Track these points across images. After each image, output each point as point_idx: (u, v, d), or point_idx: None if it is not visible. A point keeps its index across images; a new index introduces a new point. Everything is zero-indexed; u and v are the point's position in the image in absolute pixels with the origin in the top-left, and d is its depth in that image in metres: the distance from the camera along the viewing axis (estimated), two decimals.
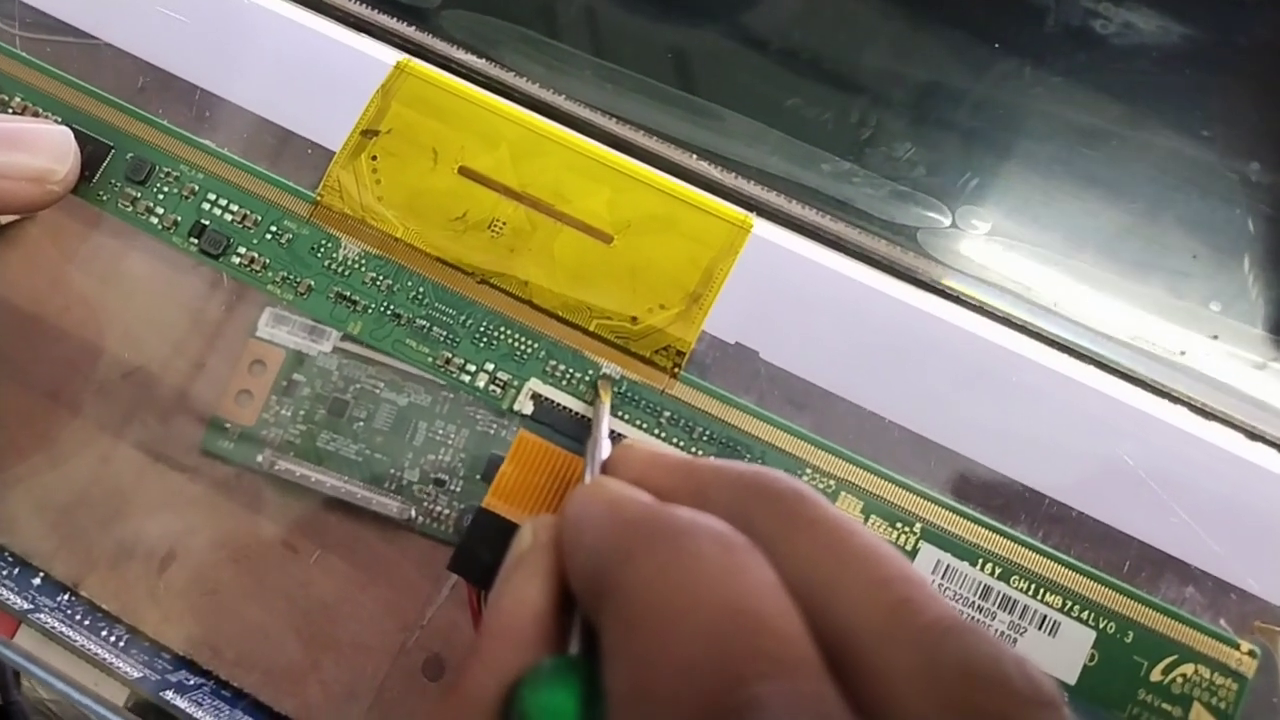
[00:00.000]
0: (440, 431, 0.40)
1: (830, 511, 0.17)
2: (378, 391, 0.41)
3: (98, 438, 0.42)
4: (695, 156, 0.28)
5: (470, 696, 0.16)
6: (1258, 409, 0.26)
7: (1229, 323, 0.27)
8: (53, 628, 0.38)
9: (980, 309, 0.27)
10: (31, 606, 0.39)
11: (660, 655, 0.14)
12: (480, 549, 0.25)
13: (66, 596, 0.41)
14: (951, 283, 0.27)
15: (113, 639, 0.40)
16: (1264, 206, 0.28)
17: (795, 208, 0.27)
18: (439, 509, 0.40)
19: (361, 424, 0.41)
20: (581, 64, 0.29)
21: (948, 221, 0.28)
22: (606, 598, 0.15)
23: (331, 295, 0.27)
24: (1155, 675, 0.23)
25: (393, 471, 0.40)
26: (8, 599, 0.39)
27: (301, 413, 0.41)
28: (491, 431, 0.41)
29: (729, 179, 0.28)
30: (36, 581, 0.41)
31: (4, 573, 0.40)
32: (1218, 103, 0.29)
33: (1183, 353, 0.27)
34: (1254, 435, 0.26)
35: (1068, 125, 0.29)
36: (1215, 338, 0.27)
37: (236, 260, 0.27)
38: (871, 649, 0.14)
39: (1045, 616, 0.24)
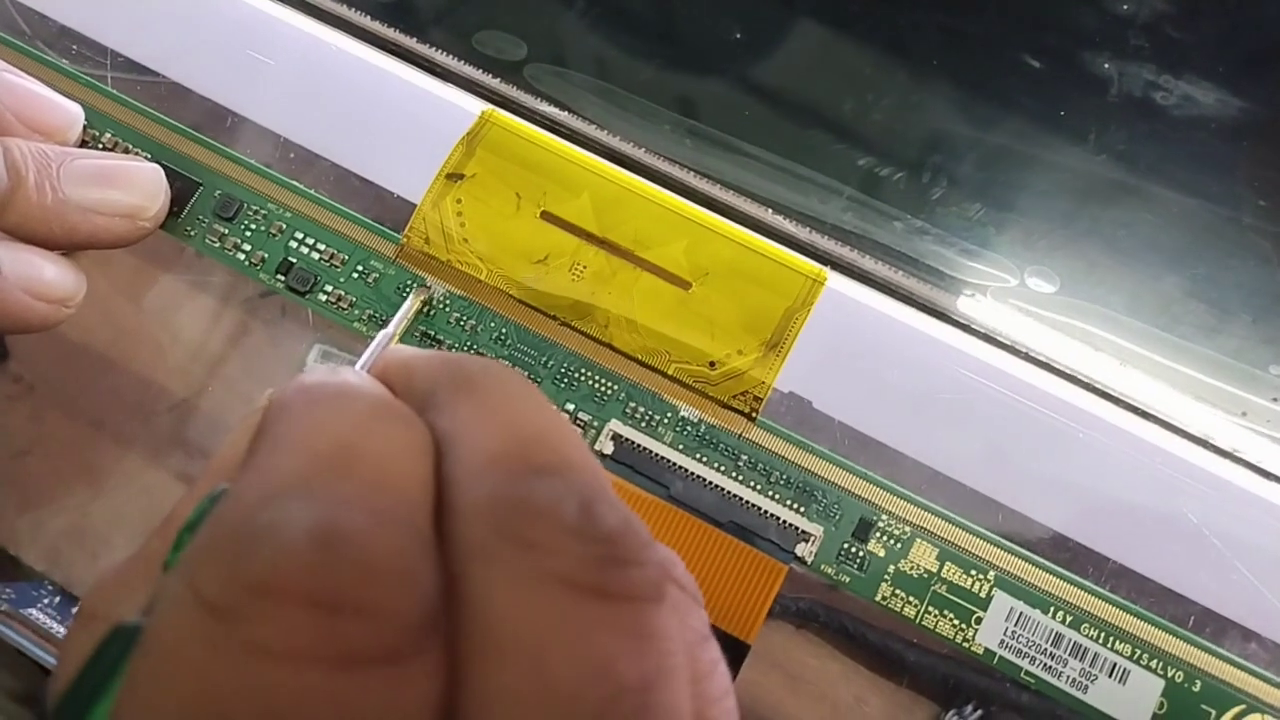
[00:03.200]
0: None
1: (499, 380, 0.17)
2: None
3: (142, 469, 0.42)
4: (771, 211, 0.29)
5: (173, 515, 0.17)
6: None
7: None
8: None
9: (1047, 366, 0.28)
10: None
11: (257, 471, 0.14)
12: None
13: None
14: (1019, 340, 0.28)
15: None
16: None
17: (868, 262, 0.28)
18: None
19: None
20: (661, 119, 0.31)
21: (1016, 280, 0.29)
22: (261, 435, 0.16)
23: (417, 335, 0.27)
24: None
25: None
26: (50, 628, 0.39)
27: None
28: None
29: (804, 233, 0.29)
30: (76, 610, 0.41)
31: (45, 601, 0.40)
32: (1272, 174, 0.30)
33: (1244, 414, 0.28)
34: None
35: (1131, 191, 0.30)
36: (1275, 400, 0.28)
37: (323, 298, 0.28)
38: (460, 487, 0.15)
39: (1115, 664, 0.24)
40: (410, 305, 0.27)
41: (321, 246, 0.28)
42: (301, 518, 0.13)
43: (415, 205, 0.28)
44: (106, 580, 0.17)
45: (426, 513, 0.15)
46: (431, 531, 0.14)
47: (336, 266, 0.28)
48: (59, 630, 0.38)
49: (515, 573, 0.14)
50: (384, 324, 0.27)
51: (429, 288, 0.28)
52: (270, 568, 0.13)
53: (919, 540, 0.25)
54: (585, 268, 0.28)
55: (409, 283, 0.28)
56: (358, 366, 0.21)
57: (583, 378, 0.27)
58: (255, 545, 0.13)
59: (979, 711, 0.32)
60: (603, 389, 0.27)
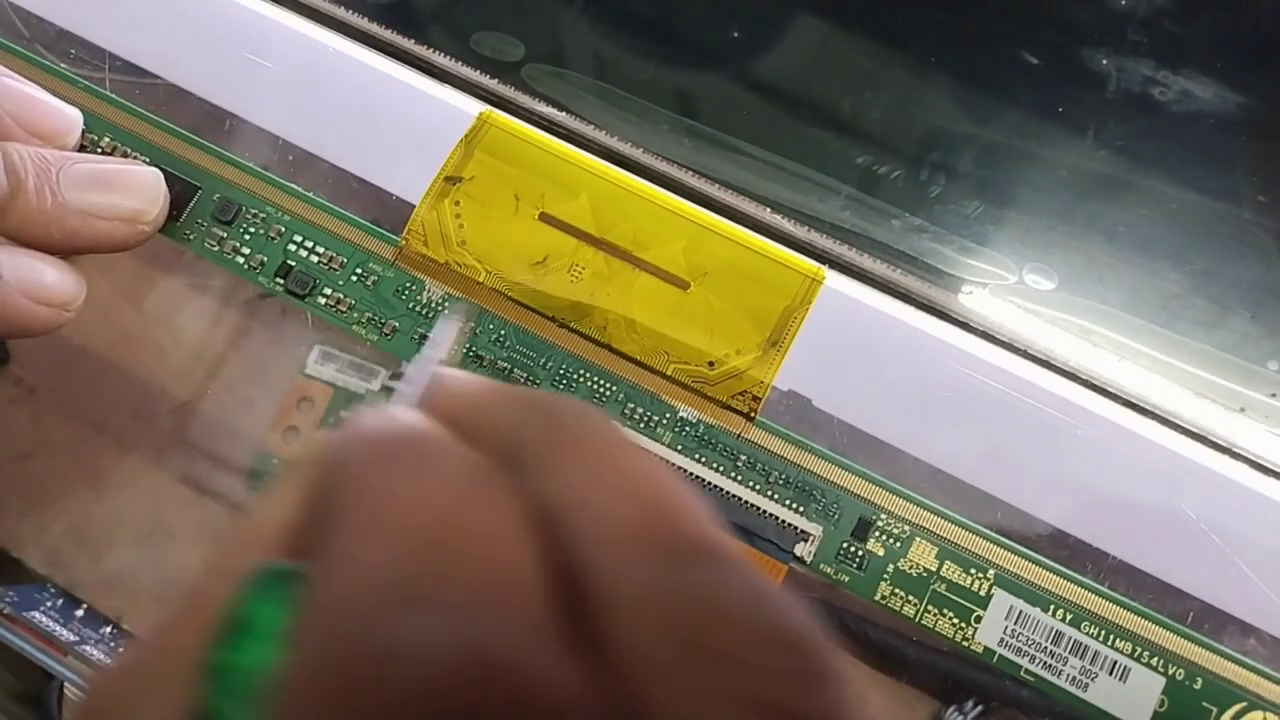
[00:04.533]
0: None
1: (601, 430, 0.15)
2: None
3: (143, 471, 0.42)
4: (770, 210, 0.29)
5: (201, 591, 0.14)
6: None
7: None
8: (98, 660, 0.38)
9: (1046, 363, 0.28)
10: (77, 639, 0.39)
11: (350, 566, 0.12)
12: None
13: (109, 629, 0.41)
14: (1018, 337, 0.28)
15: None
16: None
17: (866, 261, 0.28)
18: None
19: None
20: (659, 119, 0.31)
21: (1014, 278, 0.29)
22: (330, 508, 0.14)
23: (416, 337, 0.27)
24: None
25: None
26: (54, 631, 0.39)
27: None
28: None
29: (802, 232, 0.29)
30: (80, 614, 0.41)
31: (49, 605, 0.41)
32: (1270, 169, 0.30)
33: (1242, 409, 0.28)
34: None
35: (1130, 187, 0.30)
36: (1274, 395, 0.28)
37: (322, 301, 0.28)
38: (604, 574, 0.13)
39: (1116, 662, 0.24)
40: (455, 329, 0.25)
41: (320, 249, 0.28)
42: (433, 636, 0.11)
43: (414, 206, 0.28)
44: (115, 678, 0.14)
45: (554, 607, 0.12)
46: (569, 630, 0.12)
47: (335, 269, 0.28)
48: (61, 634, 0.38)
49: (708, 697, 0.12)
50: (407, 335, 0.27)
51: (469, 308, 0.27)
52: (420, 709, 0.11)
53: (918, 539, 0.25)
54: (584, 269, 0.28)
55: (408, 285, 0.28)
56: (406, 394, 0.18)
57: (581, 379, 0.27)
58: (389, 677, 0.11)
59: (980, 708, 0.32)
60: (601, 390, 0.27)
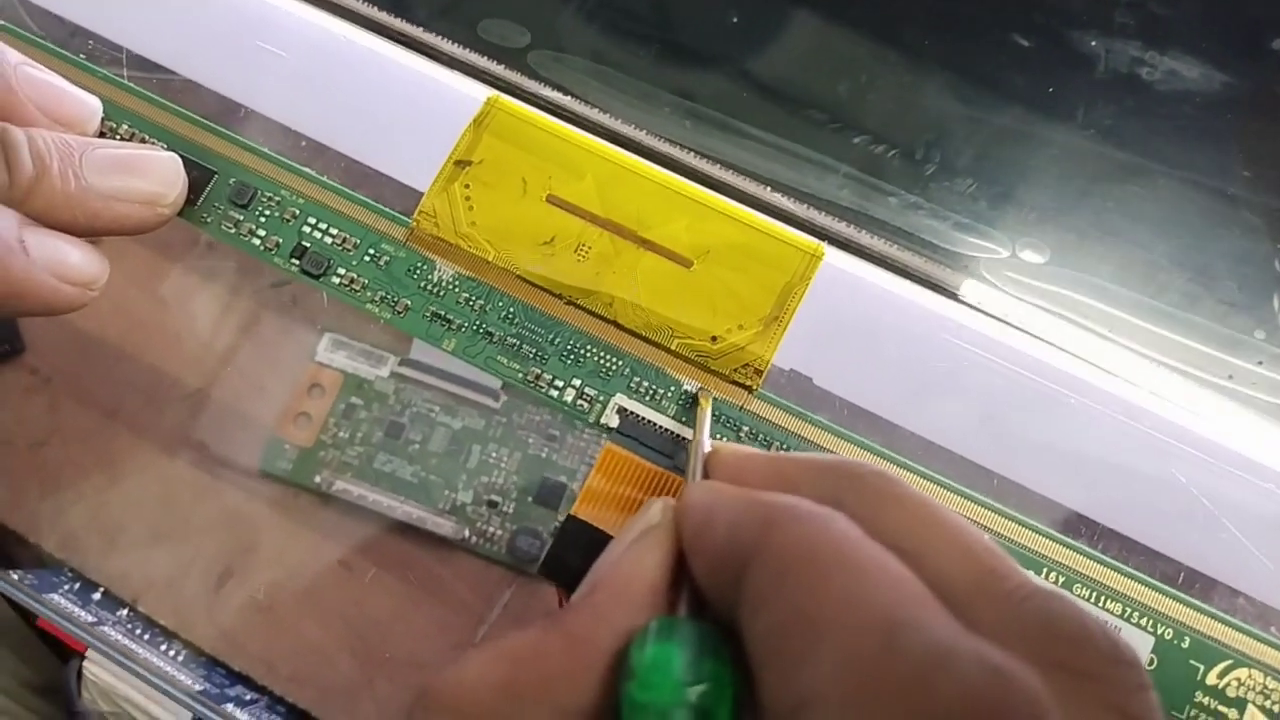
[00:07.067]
0: (494, 455, 0.42)
1: (912, 490, 0.19)
2: (433, 415, 0.43)
3: (157, 457, 0.43)
4: (770, 188, 0.30)
5: (581, 639, 0.18)
6: None
7: (1273, 349, 0.29)
8: (116, 640, 0.39)
9: (1038, 335, 0.29)
10: (95, 620, 0.40)
11: (817, 594, 0.16)
12: (569, 554, 0.26)
13: (125, 612, 0.42)
14: (1011, 310, 0.29)
15: (171, 653, 0.41)
16: None
17: (864, 237, 0.29)
18: (491, 529, 0.41)
19: (417, 446, 0.42)
20: (661, 101, 0.31)
21: (1007, 252, 0.30)
22: (752, 559, 0.17)
23: (428, 314, 0.28)
24: (1211, 679, 0.25)
25: (447, 493, 0.41)
26: (73, 613, 0.40)
27: (359, 435, 0.43)
28: (543, 455, 0.42)
29: (801, 210, 0.29)
30: (96, 597, 0.42)
31: (66, 588, 0.41)
32: (1256, 145, 0.31)
33: (1230, 377, 0.29)
34: None
35: (1118, 164, 0.31)
36: (1260, 363, 0.29)
37: (336, 280, 0.29)
38: (962, 606, 0.16)
39: (1107, 623, 0.25)
40: (705, 413, 0.27)
41: (334, 231, 0.29)
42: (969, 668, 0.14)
43: (422, 191, 0.29)
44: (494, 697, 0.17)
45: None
46: None
47: (349, 250, 0.29)
48: (81, 615, 0.39)
49: (1083, 705, 0.15)
50: (419, 313, 0.28)
51: (709, 392, 0.27)
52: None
53: None
54: (590, 248, 0.28)
55: (419, 265, 0.29)
56: (697, 466, 0.23)
57: (588, 354, 0.28)
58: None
59: None
60: (608, 365, 0.28)
